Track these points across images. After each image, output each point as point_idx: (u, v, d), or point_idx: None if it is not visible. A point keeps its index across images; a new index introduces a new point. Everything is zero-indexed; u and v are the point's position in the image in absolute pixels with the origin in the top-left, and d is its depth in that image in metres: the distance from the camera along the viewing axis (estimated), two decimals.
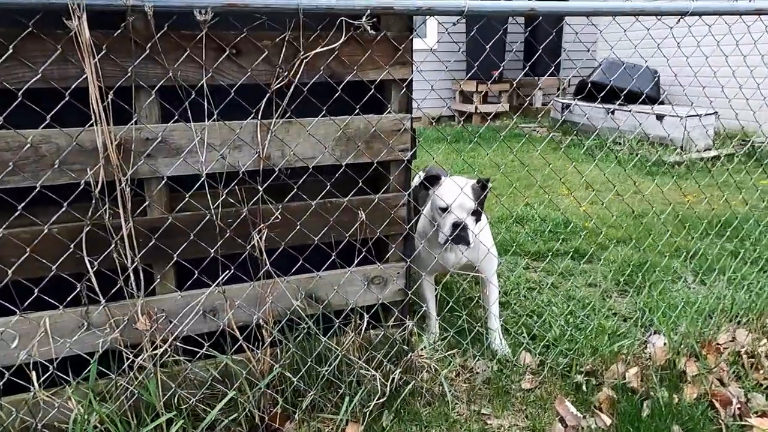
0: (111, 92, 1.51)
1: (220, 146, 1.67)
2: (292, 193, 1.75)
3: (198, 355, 1.77)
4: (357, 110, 1.76)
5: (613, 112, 6.81)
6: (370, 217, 1.89)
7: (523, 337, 2.45)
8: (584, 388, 2.14)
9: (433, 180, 2.27)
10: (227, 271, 1.73)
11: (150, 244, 1.64)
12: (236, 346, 1.80)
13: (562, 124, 7.61)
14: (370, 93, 1.77)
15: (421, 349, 2.06)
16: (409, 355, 2.01)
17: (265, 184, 1.71)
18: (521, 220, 4.03)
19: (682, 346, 2.32)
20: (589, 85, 6.27)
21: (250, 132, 1.70)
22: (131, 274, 1.64)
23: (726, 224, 3.25)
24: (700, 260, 3.19)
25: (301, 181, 1.76)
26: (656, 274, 3.03)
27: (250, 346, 1.81)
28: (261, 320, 1.82)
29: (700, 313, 2.58)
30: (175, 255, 1.68)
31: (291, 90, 1.68)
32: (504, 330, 2.51)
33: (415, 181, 2.63)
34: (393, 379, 1.97)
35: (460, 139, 7.44)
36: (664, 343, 2.38)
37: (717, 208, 4.01)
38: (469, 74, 8.55)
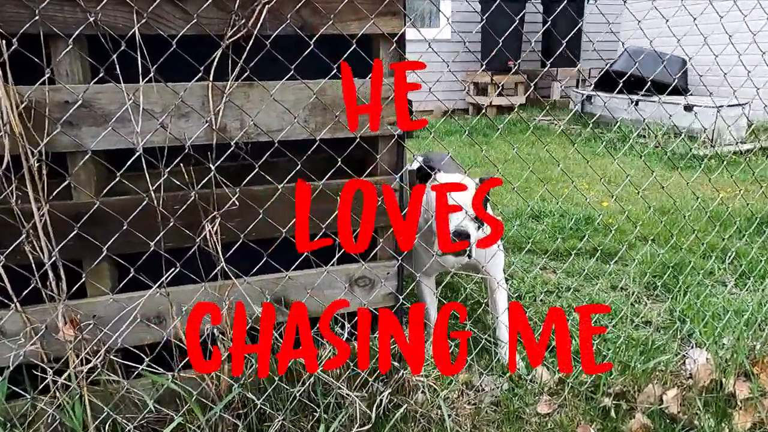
0: (14, 40, 1.18)
1: (161, 113, 1.34)
2: (252, 174, 1.41)
3: (136, 372, 1.44)
4: (335, 71, 1.42)
5: (636, 103, 6.38)
6: (352, 206, 1.54)
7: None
8: (613, 413, 1.78)
9: (425, 176, 1.92)
10: (172, 269, 1.40)
11: (72, 235, 1.32)
12: (185, 361, 1.47)
13: (581, 116, 7.19)
14: (352, 49, 1.42)
15: None
16: (401, 373, 1.67)
17: (218, 162, 1.38)
18: (538, 216, 3.65)
19: (729, 364, 1.95)
20: (612, 74, 5.86)
21: (200, 96, 1.36)
22: (49, 271, 1.32)
23: (765, 222, 2.87)
24: (741, 261, 2.80)
25: (263, 159, 1.42)
26: (692, 277, 2.64)
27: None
28: (216, 330, 1.49)
29: (749, 324, 2.20)
30: (104, 248, 1.35)
31: (250, 44, 1.35)
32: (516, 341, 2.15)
33: (414, 166, 2.29)
34: (381, 401, 1.63)
35: (474, 132, 7.06)
36: (707, 359, 2.01)
37: (753, 204, 3.61)
38: (484, 65, 8.16)
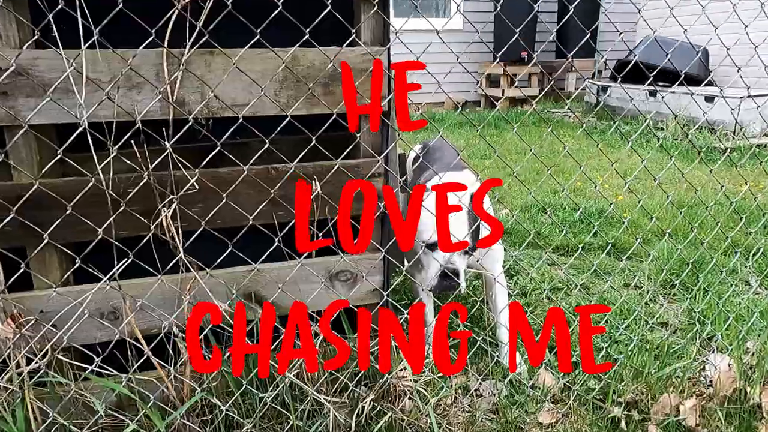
0: None
1: (109, 83, 1.19)
2: (214, 152, 1.25)
3: (84, 374, 1.30)
4: (307, 35, 1.25)
5: (654, 94, 6.12)
6: (330, 191, 1.38)
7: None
8: (623, 425, 1.60)
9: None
10: (124, 260, 1.25)
11: (8, 219, 1.17)
12: (142, 360, 1.32)
13: (596, 108, 6.94)
14: (327, 10, 1.25)
15: (402, 369, 1.55)
16: (386, 377, 1.51)
17: (173, 139, 1.22)
18: (547, 209, 3.46)
19: (754, 371, 1.76)
20: (630, 65, 5.62)
21: (154, 65, 1.21)
22: None
23: None
24: (766, 259, 2.59)
25: (226, 136, 1.26)
26: (713, 275, 2.44)
27: (162, 362, 1.33)
28: (177, 327, 1.34)
29: None
30: (45, 235, 1.20)
31: (210, 3, 1.19)
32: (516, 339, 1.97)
33: (410, 156, 2.12)
34: (362, 408, 1.47)
35: (485, 125, 6.86)
36: (730, 366, 1.82)
37: None
38: (497, 56, 7.92)
